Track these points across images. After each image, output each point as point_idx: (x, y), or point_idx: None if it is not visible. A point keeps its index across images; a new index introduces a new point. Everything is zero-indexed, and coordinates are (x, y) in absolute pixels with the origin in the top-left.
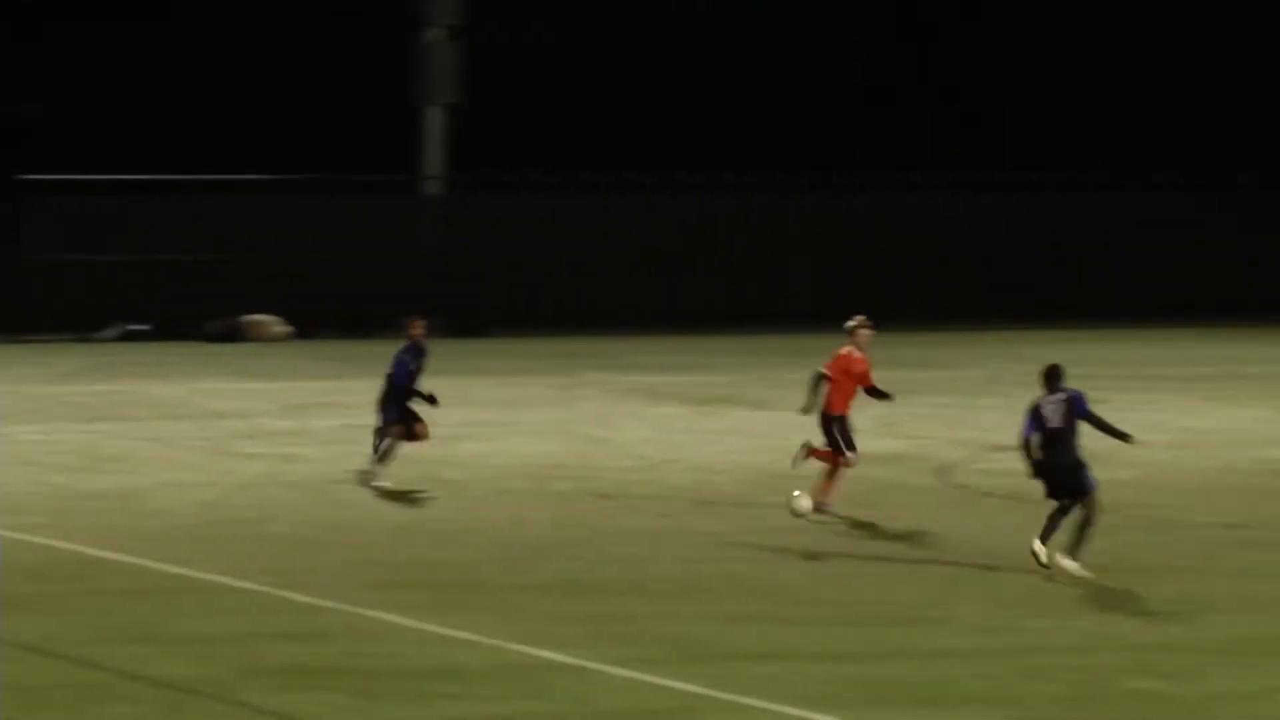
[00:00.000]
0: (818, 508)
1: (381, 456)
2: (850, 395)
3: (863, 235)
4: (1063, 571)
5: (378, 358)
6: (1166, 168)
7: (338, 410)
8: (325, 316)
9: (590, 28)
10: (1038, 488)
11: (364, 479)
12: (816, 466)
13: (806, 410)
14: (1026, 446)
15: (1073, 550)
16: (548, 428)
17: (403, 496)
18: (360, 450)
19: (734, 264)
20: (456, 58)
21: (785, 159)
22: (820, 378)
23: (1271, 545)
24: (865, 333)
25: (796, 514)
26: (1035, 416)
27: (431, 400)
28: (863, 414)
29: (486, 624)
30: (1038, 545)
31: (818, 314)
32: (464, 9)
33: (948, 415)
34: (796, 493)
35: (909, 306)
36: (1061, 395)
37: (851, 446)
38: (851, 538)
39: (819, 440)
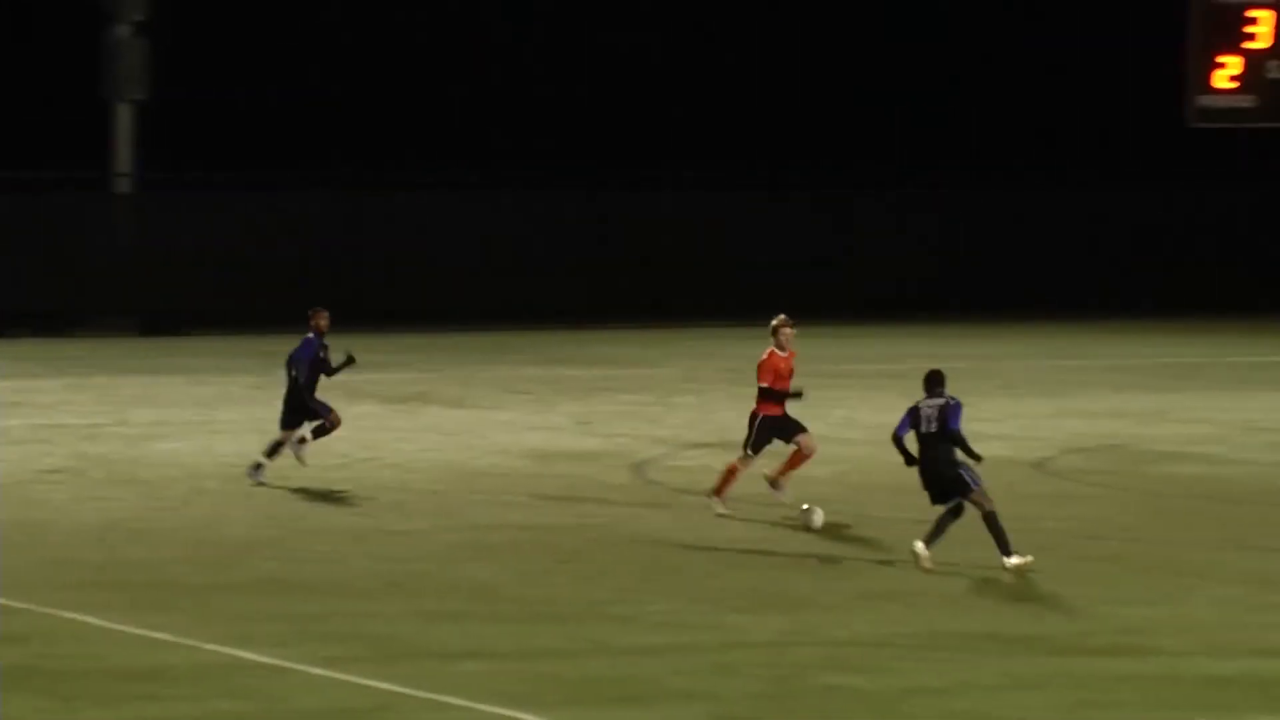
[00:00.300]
0: (773, 483)
1: (303, 439)
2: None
3: (526, 234)
4: (1015, 571)
5: (70, 357)
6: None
7: (29, 410)
8: (17, 315)
9: (279, 22)
10: (736, 486)
11: (297, 453)
12: (801, 472)
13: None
14: (896, 441)
15: (1005, 550)
16: (245, 426)
17: (98, 497)
18: (52, 450)
19: (425, 262)
20: (145, 54)
21: (445, 159)
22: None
23: (967, 541)
24: (788, 331)
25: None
26: (912, 416)
27: (351, 360)
28: (558, 412)
29: (184, 624)
30: (919, 547)
31: (506, 312)
32: (150, 5)
33: (643, 413)
34: (805, 506)
35: (599, 304)
36: (940, 400)
37: (757, 449)
38: (550, 534)
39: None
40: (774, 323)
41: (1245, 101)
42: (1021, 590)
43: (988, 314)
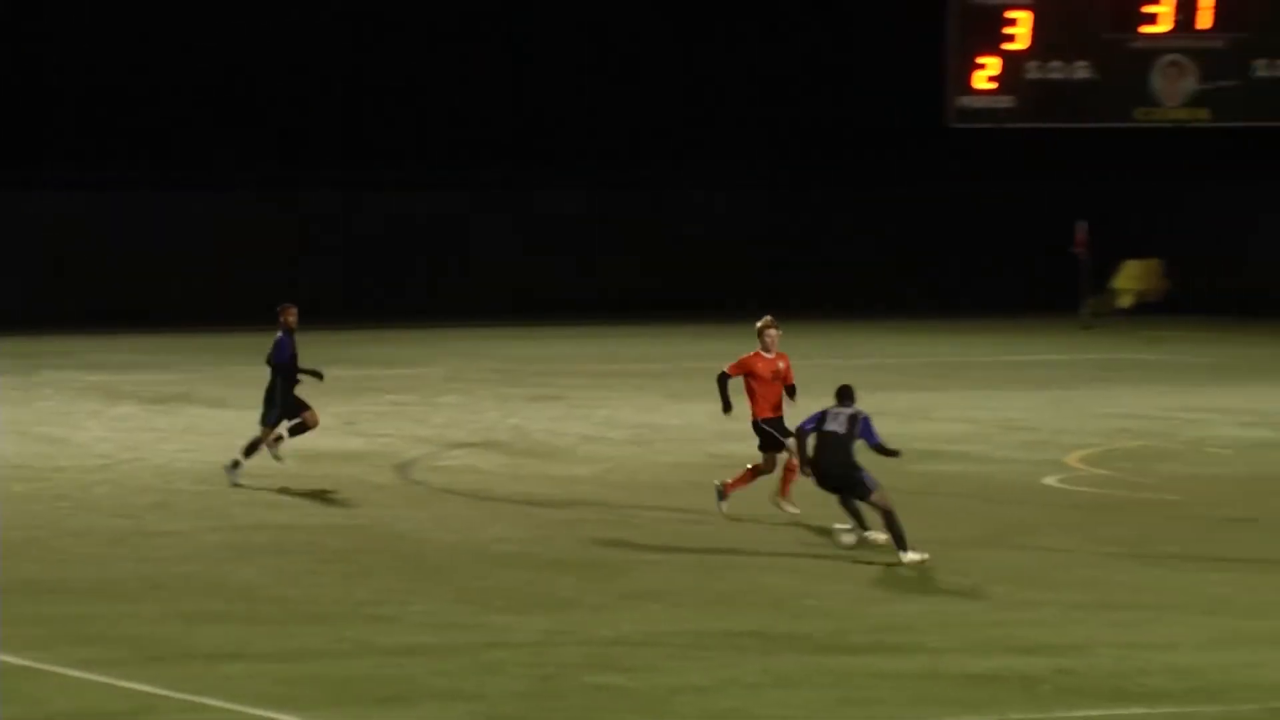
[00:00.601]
0: (724, 492)
1: (254, 447)
2: (776, 398)
3: (284, 233)
4: (912, 566)
5: None
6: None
7: None
8: None
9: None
10: (497, 485)
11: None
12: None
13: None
14: (800, 435)
15: (902, 546)
16: (4, 428)
17: None
18: None
19: (189, 262)
20: None
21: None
22: (724, 377)
23: (724, 539)
24: (772, 333)
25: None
26: (820, 416)
27: (318, 375)
28: (327, 413)
29: None
30: (847, 539)
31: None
32: None
33: (408, 413)
34: (837, 525)
35: (363, 304)
36: (850, 410)
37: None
38: (313, 535)
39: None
40: (759, 324)
41: (1004, 102)
42: (784, 589)
43: (753, 315)
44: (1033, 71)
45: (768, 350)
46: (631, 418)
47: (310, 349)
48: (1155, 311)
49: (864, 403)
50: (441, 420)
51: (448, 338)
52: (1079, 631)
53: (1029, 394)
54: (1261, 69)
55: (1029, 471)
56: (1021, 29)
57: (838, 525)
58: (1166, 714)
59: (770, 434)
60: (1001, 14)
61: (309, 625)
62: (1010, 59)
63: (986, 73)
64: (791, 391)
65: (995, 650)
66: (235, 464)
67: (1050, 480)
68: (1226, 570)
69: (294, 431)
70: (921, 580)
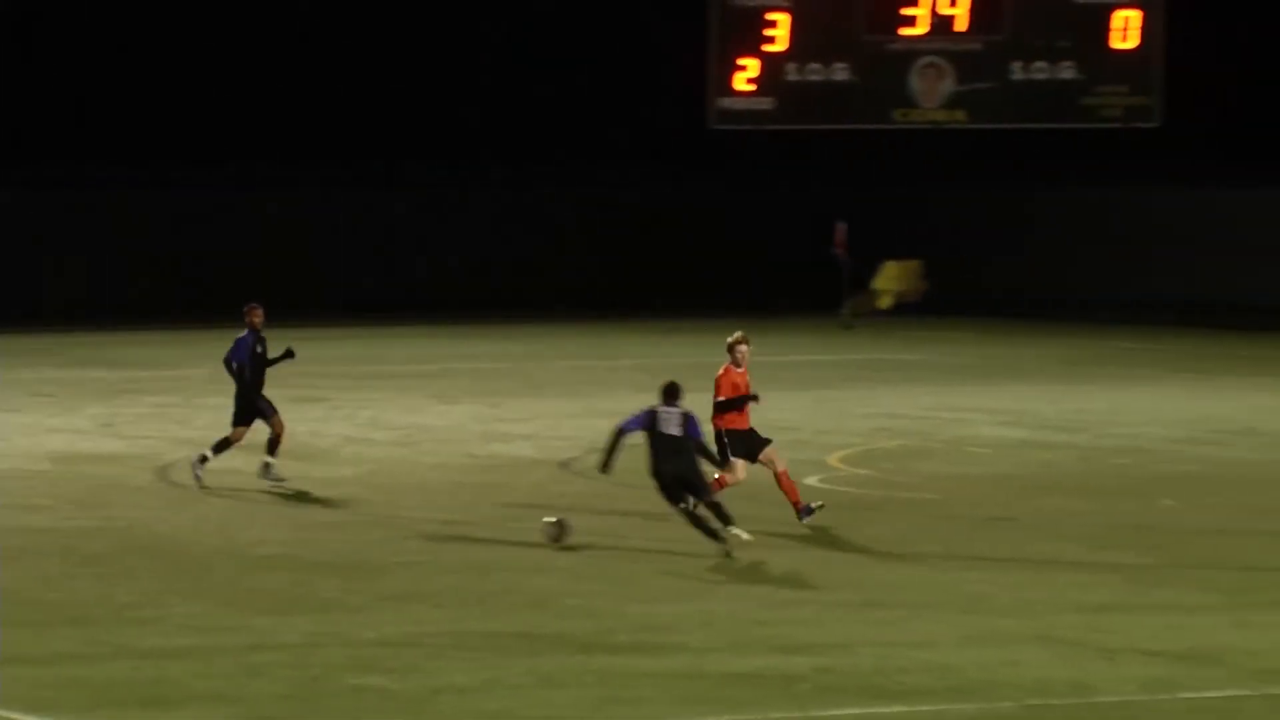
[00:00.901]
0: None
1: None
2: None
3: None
4: (738, 544)
5: None
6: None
7: None
8: None
9: None
10: (259, 487)
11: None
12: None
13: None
14: (619, 435)
15: (719, 528)
16: None
17: None
18: None
19: None
20: None
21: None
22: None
23: (487, 541)
24: (743, 349)
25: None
26: (648, 418)
27: (290, 354)
28: (81, 414)
29: None
30: (733, 531)
31: (28, 314)
32: None
33: (169, 414)
34: (733, 529)
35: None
36: (679, 410)
37: (726, 460)
38: (71, 538)
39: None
40: (730, 340)
41: (765, 104)
42: (547, 589)
43: (517, 316)
44: (792, 73)
45: (739, 365)
46: (396, 419)
47: (66, 350)
48: (915, 312)
49: (626, 404)
50: (204, 422)
51: (206, 339)
52: (840, 630)
53: (790, 394)
54: (1018, 71)
55: (791, 471)
56: (781, 30)
57: (734, 530)
58: (926, 712)
59: (734, 450)
60: (761, 15)
61: (68, 629)
62: (770, 61)
63: (747, 74)
64: (754, 398)
65: (757, 649)
66: (203, 459)
67: (812, 480)
68: (985, 569)
69: (270, 447)
70: (684, 580)
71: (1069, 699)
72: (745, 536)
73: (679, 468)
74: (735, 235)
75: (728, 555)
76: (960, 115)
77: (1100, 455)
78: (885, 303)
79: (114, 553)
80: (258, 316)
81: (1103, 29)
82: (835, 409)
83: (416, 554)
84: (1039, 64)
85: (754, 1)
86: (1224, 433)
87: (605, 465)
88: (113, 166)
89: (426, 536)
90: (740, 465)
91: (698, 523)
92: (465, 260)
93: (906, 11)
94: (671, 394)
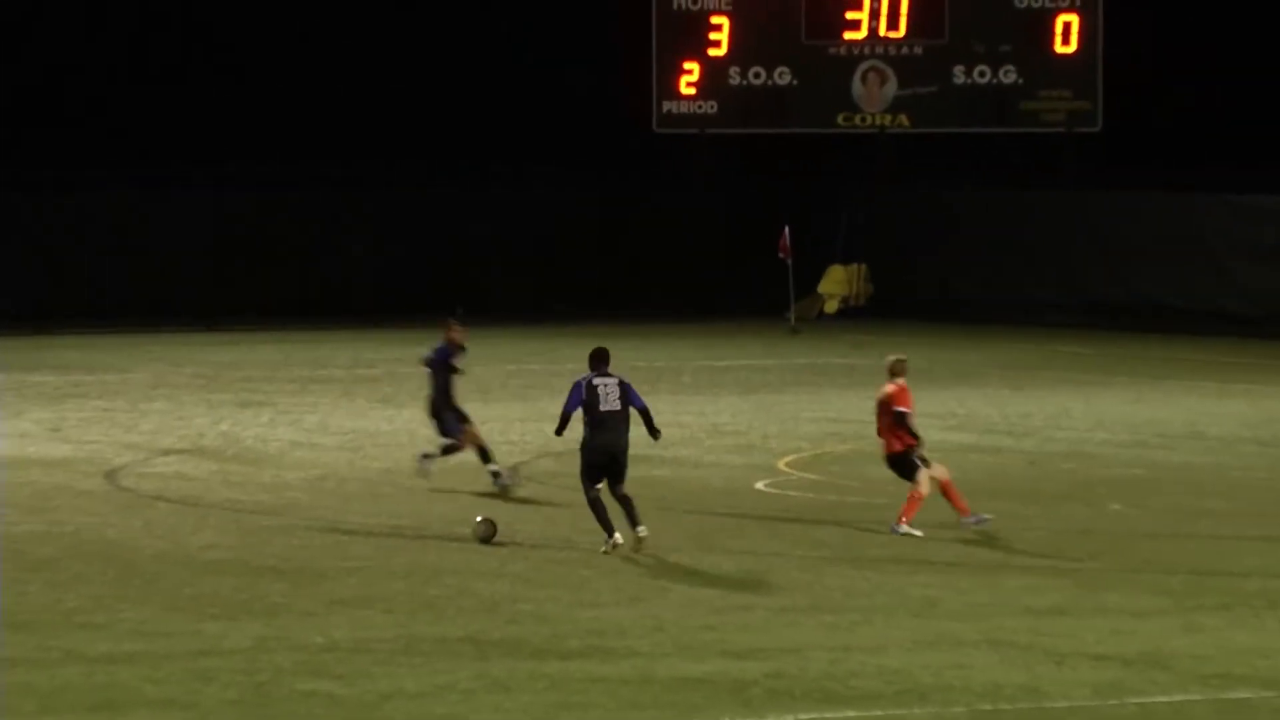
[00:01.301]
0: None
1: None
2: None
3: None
4: (640, 545)
5: None
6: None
7: None
8: None
9: None
10: (207, 491)
11: None
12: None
13: None
14: (565, 417)
15: (637, 522)
16: None
17: None
18: None
19: None
20: None
21: None
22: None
23: (436, 545)
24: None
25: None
26: (586, 392)
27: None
28: (27, 419)
29: None
30: (630, 534)
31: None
32: None
33: (115, 419)
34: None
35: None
36: (615, 378)
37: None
38: (19, 543)
39: None
40: (897, 359)
41: (708, 108)
42: (497, 594)
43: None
44: (735, 77)
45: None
46: (342, 423)
47: (10, 355)
48: (860, 315)
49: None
50: (150, 426)
51: (144, 342)
52: (790, 635)
53: (737, 398)
54: (959, 76)
55: (739, 476)
56: (723, 35)
57: (641, 529)
58: (877, 716)
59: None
60: (704, 20)
61: (17, 634)
62: (713, 65)
63: (690, 78)
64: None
65: (707, 654)
66: (426, 455)
67: (760, 485)
68: (935, 573)
69: (446, 451)
70: (634, 585)
71: (1020, 703)
72: (645, 533)
73: (617, 445)
74: (679, 239)
75: (613, 549)
76: (903, 120)
77: (1047, 459)
78: (831, 306)
79: (62, 558)
80: (457, 333)
81: (1042, 34)
82: (783, 413)
83: (365, 558)
84: (980, 68)
85: (696, 5)
86: (1168, 436)
87: (560, 429)
88: (46, 169)
89: (375, 541)
90: (925, 476)
91: (598, 509)
92: (408, 262)
93: (848, 16)
94: (602, 359)
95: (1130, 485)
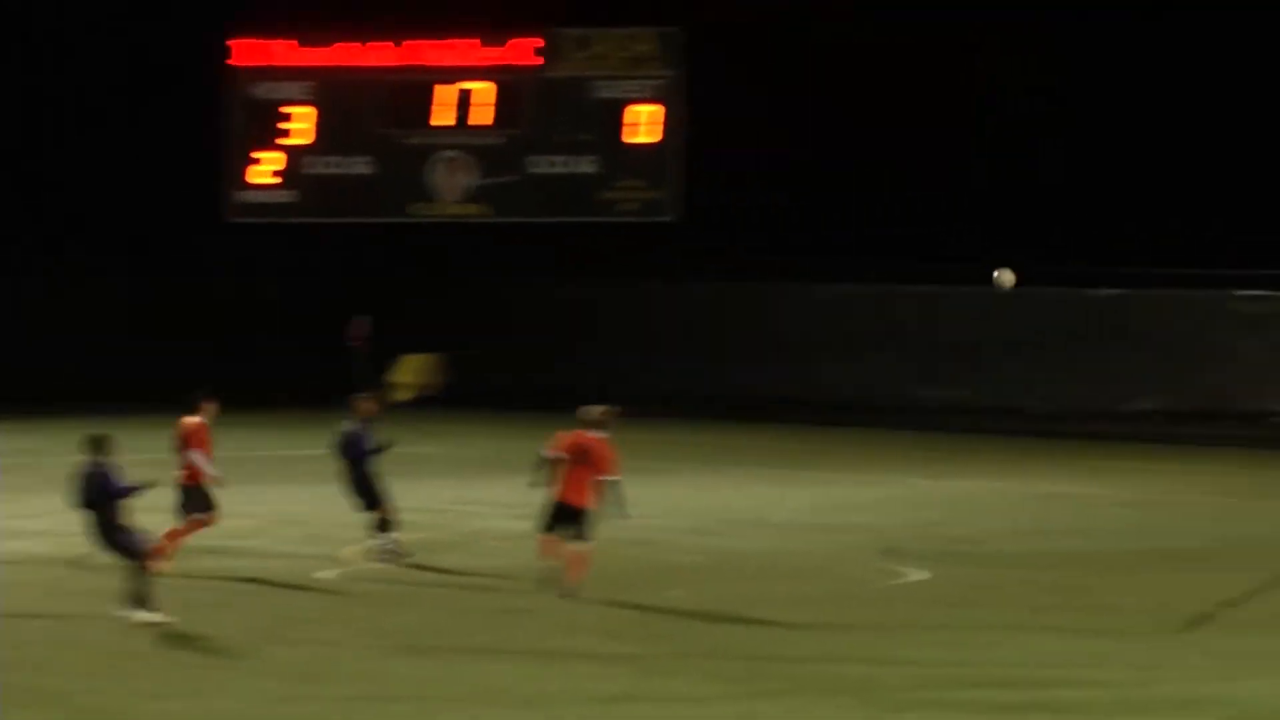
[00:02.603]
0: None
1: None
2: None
3: None
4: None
5: None
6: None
7: None
8: None
9: None
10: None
11: None
12: None
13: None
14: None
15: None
16: None
17: None
18: None
19: None
20: None
21: None
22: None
23: None
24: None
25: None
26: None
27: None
28: None
29: None
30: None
31: None
32: None
33: None
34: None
35: None
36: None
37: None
38: None
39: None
40: (604, 411)
41: (285, 196)
42: (57, 689)
43: (28, 410)
44: (314, 166)
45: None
46: None
47: None
48: (431, 405)
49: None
50: None
51: None
52: None
53: (306, 487)
54: (539, 165)
55: (307, 566)
56: (303, 124)
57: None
58: None
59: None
60: (279, 109)
61: None
62: (292, 154)
63: (268, 167)
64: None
65: None
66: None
67: (327, 574)
68: (506, 661)
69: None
70: (198, 677)
71: None
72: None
73: (103, 528)
74: (243, 325)
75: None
76: (482, 209)
77: (611, 546)
78: (403, 396)
79: None
80: (369, 405)
81: (621, 124)
82: (349, 502)
83: None
84: (559, 158)
85: (275, 95)
86: (732, 523)
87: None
88: None
89: None
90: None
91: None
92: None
93: (432, 106)
94: (97, 446)
95: (691, 572)
